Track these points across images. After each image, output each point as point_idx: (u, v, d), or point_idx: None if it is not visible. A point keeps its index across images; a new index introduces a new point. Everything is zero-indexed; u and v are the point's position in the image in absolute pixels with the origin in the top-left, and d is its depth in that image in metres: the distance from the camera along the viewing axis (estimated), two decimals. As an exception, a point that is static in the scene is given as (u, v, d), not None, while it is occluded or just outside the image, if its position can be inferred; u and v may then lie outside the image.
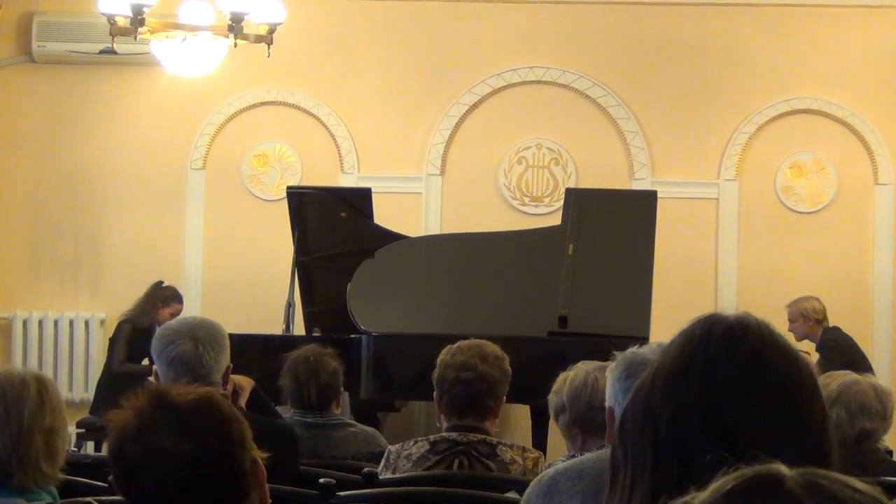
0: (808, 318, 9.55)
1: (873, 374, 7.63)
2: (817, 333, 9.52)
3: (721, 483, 1.28)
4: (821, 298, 9.70)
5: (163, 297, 9.78)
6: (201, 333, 4.25)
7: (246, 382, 4.58)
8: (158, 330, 4.41)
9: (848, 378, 4.75)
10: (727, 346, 1.67)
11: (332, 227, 9.10)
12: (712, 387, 1.64)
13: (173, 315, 9.79)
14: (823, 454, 1.62)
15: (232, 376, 4.43)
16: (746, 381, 1.64)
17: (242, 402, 4.46)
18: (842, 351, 9.25)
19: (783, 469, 1.28)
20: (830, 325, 9.59)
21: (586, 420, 4.21)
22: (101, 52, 10.35)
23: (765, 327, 1.69)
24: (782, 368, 1.67)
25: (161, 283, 9.85)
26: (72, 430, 8.99)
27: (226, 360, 4.32)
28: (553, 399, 4.35)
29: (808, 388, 1.67)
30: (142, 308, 9.71)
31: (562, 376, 4.37)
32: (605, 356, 3.62)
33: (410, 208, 10.54)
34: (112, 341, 9.70)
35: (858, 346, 9.47)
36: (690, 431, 1.62)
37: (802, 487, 1.26)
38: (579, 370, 4.32)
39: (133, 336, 9.58)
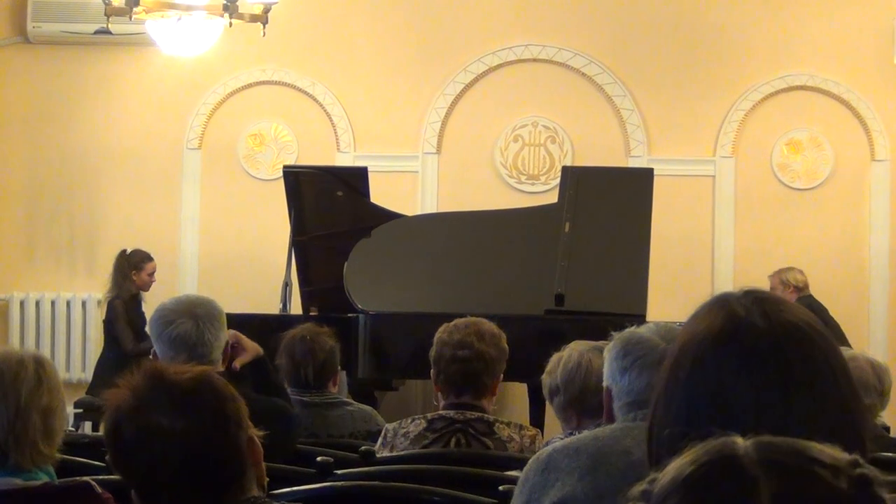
0: (788, 285, 9.73)
1: (848, 345, 7.85)
2: (792, 300, 9.60)
3: (678, 468, 1.24)
4: (817, 274, 9.71)
5: (132, 263, 9.66)
6: (200, 311, 4.25)
7: (252, 348, 4.56)
8: (155, 310, 4.38)
9: (846, 354, 4.75)
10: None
11: (328, 206, 9.09)
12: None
13: (151, 275, 9.72)
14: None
15: (242, 338, 4.45)
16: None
17: (239, 363, 4.44)
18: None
19: (738, 444, 1.24)
20: (807, 294, 9.66)
21: (581, 402, 4.22)
22: (97, 32, 10.32)
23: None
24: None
25: (124, 251, 9.74)
26: (69, 410, 8.99)
27: (224, 336, 4.32)
28: (547, 380, 4.35)
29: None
30: (117, 282, 9.62)
31: (555, 357, 4.37)
32: (602, 334, 3.62)
33: (407, 187, 10.53)
34: (109, 322, 9.62)
35: (832, 316, 9.41)
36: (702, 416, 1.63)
37: (759, 465, 1.21)
38: (573, 351, 4.31)
39: (127, 310, 9.54)
